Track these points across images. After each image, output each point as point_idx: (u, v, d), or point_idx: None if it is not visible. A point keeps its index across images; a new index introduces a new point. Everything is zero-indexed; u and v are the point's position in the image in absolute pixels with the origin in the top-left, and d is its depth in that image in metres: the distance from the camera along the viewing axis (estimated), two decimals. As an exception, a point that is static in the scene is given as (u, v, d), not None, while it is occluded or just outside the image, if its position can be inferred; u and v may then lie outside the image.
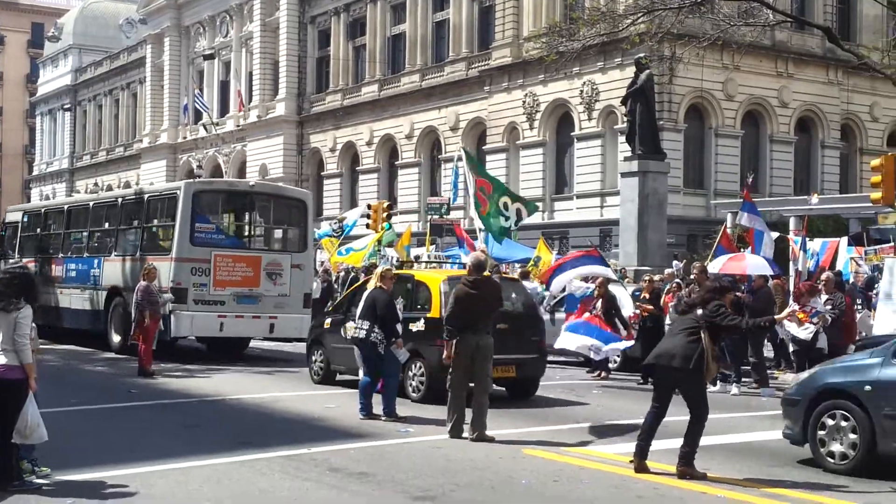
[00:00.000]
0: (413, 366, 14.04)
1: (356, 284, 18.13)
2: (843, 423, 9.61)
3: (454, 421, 11.33)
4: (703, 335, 9.33)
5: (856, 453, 9.47)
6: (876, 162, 21.29)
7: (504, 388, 14.71)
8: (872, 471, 9.47)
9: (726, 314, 9.46)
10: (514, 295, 15.10)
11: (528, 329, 14.79)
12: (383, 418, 12.50)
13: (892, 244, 22.75)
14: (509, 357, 13.81)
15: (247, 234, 21.49)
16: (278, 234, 21.53)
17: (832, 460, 9.66)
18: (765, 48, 42.49)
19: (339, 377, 16.18)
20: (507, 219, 14.65)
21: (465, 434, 11.22)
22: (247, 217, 21.55)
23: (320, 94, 61.95)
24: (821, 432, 9.77)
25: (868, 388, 9.46)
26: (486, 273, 11.89)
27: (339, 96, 60.08)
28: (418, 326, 14.12)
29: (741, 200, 39.27)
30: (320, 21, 62.09)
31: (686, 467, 9.32)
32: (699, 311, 9.54)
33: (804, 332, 14.38)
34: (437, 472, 9.53)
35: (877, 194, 20.69)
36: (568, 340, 17.68)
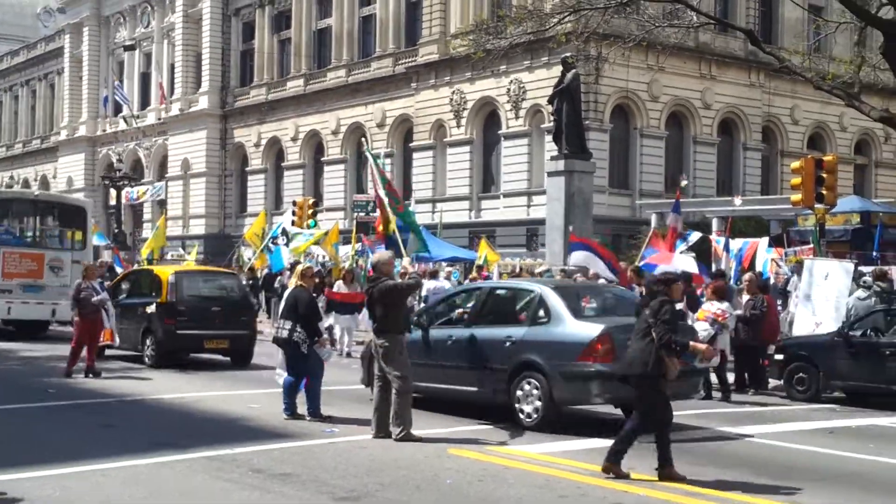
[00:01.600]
0: (147, 339, 18.70)
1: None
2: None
3: (378, 421, 11.21)
4: (654, 335, 9.14)
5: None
6: (796, 164, 21.70)
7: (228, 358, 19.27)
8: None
9: (664, 319, 9.13)
10: (230, 284, 20.70)
11: (241, 311, 19.56)
12: (308, 418, 12.33)
13: (811, 246, 23.18)
14: (224, 333, 18.85)
15: (32, 234, 25.61)
16: (60, 234, 25.51)
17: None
18: (689, 50, 43.08)
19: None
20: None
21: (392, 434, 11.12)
22: (32, 221, 25.68)
23: (244, 87, 61.25)
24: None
25: None
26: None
27: (263, 90, 59.45)
28: (151, 309, 18.78)
29: (667, 201, 39.90)
30: (244, 13, 61.37)
31: (612, 464, 9.25)
32: (646, 311, 9.36)
33: (703, 333, 14.52)
34: (362, 472, 9.41)
35: (796, 196, 21.11)
36: None
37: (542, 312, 12.47)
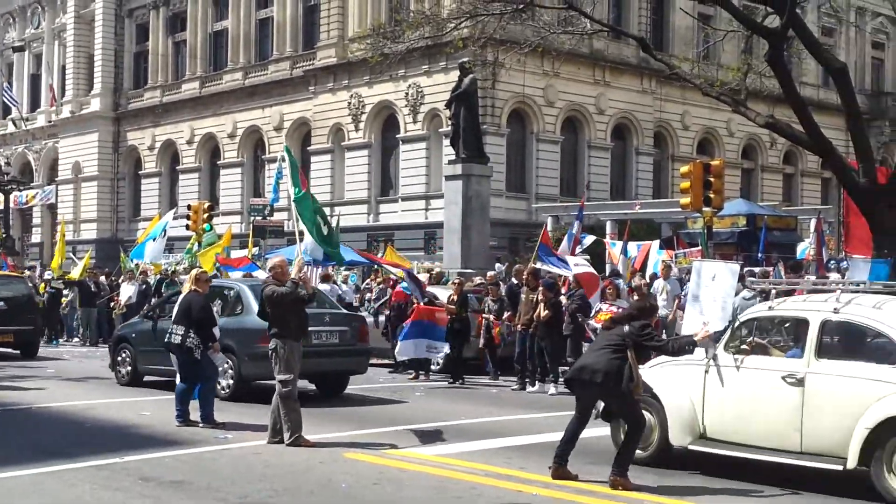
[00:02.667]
0: None
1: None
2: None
3: (274, 425, 11.12)
4: (629, 353, 9.15)
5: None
6: (685, 168, 22.24)
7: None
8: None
9: (652, 335, 9.39)
10: (17, 286, 23.11)
11: (26, 310, 22.21)
12: (201, 424, 12.17)
13: (699, 248, 23.77)
14: (9, 328, 21.39)
15: None
16: None
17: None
18: (583, 56, 43.84)
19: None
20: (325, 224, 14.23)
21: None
22: None
23: (138, 90, 60.05)
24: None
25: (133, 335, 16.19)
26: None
27: (158, 93, 58.38)
28: None
29: (563, 205, 40.45)
30: (138, 14, 60.18)
31: (618, 476, 9.09)
32: (625, 329, 9.31)
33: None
34: (256, 479, 9.33)
35: (685, 199, 21.62)
36: (407, 349, 17.92)
37: (239, 306, 14.88)
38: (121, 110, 60.65)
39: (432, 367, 18.97)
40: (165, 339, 12.64)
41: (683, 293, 20.15)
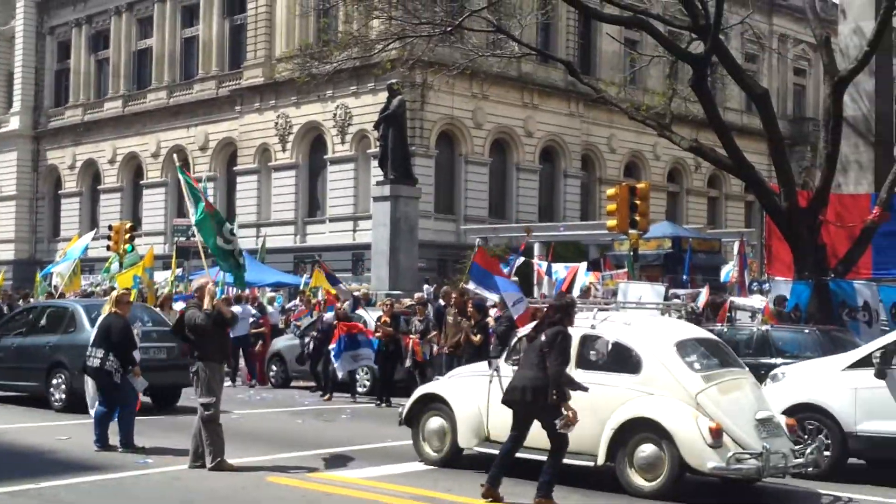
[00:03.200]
0: None
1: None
2: None
3: (195, 449, 10.85)
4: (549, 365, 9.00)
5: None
6: (611, 191, 22.45)
7: None
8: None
9: (554, 348, 9.02)
10: None
11: None
12: (120, 449, 11.84)
13: (625, 270, 23.98)
14: None
15: None
16: None
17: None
18: (511, 79, 44.17)
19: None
20: (228, 242, 13.68)
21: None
22: None
23: (59, 108, 58.97)
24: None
25: None
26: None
27: (79, 111, 57.37)
28: None
29: (491, 226, 40.48)
30: (60, 32, 59.14)
31: (543, 499, 9.00)
32: (542, 338, 9.16)
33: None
34: (176, 505, 9.07)
35: (612, 222, 21.81)
36: (344, 365, 18.00)
37: (72, 325, 16.09)
38: (41, 129, 59.45)
39: (359, 389, 18.81)
40: (84, 363, 12.29)
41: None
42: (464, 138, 44.80)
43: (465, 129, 44.57)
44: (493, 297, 18.40)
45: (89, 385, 12.50)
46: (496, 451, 9.76)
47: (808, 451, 9.86)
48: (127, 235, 29.85)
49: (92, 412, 12.37)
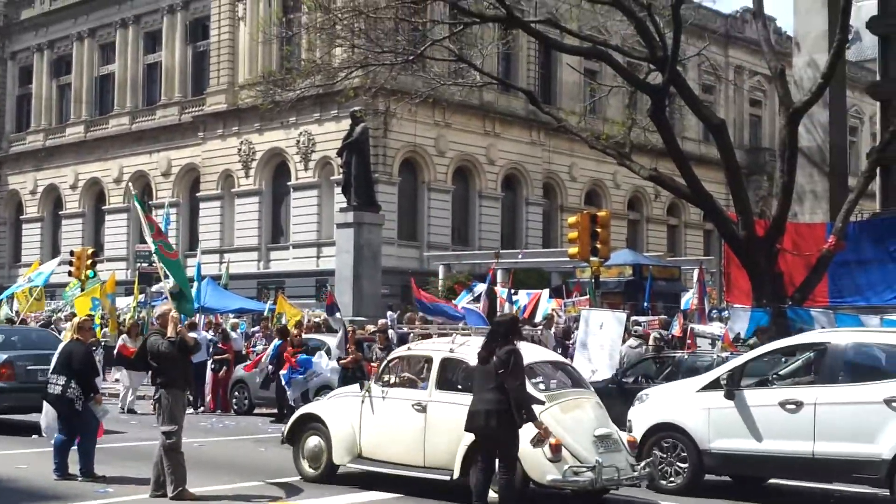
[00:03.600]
0: None
1: None
2: None
3: (156, 478, 10.82)
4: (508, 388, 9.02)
5: None
6: (573, 219, 22.68)
7: None
8: None
9: (510, 368, 9.02)
10: None
11: None
12: (80, 478, 11.74)
13: (587, 296, 24.18)
14: None
15: None
16: None
17: None
18: (473, 107, 44.51)
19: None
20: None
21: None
22: None
23: (20, 133, 58.58)
24: None
25: None
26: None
27: (41, 136, 57.02)
28: None
29: (454, 253, 40.65)
30: (21, 57, 58.84)
31: None
32: (494, 360, 9.13)
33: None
34: (138, 534, 9.05)
35: (574, 249, 22.02)
36: (296, 389, 18.35)
37: None
38: (2, 153, 59.00)
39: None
40: (45, 390, 12.22)
41: (572, 341, 20.51)
42: (426, 165, 45.01)
43: (428, 156, 44.80)
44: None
45: (47, 411, 12.40)
46: (370, 468, 10.71)
47: (642, 465, 10.66)
48: (89, 261, 29.67)
49: (45, 435, 12.27)
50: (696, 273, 26.99)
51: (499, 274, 35.49)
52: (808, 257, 18.79)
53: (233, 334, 22.94)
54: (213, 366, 21.15)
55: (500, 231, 47.72)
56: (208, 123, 48.09)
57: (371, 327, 22.52)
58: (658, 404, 12.02)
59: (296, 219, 45.06)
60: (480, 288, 26.22)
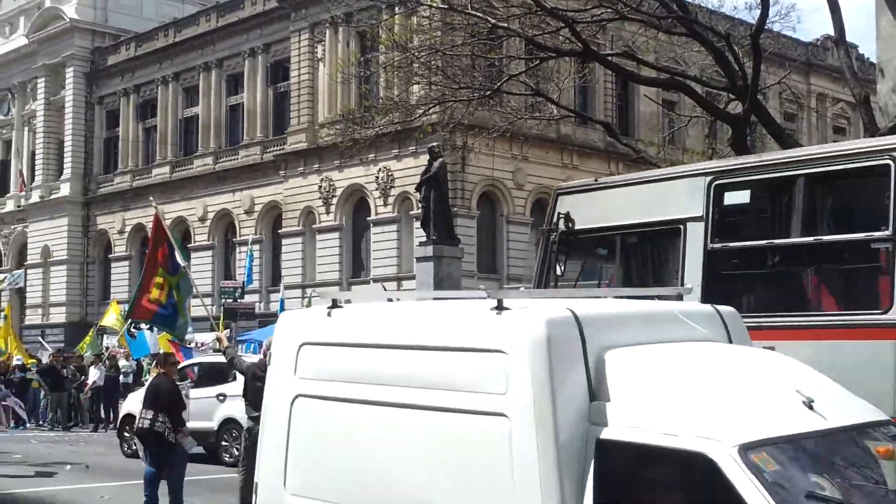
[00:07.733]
0: None
1: None
2: None
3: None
4: None
5: None
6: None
7: None
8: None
9: None
10: None
11: None
12: (170, 510, 12.00)
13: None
14: None
15: None
16: None
17: None
18: (551, 140, 44.45)
19: None
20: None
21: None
22: None
23: (108, 174, 60.23)
24: None
25: None
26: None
27: (128, 177, 58.55)
28: None
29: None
30: (108, 101, 60.62)
31: None
32: None
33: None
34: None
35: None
36: None
37: None
38: (90, 195, 60.67)
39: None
40: (136, 425, 12.51)
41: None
42: (505, 199, 45.11)
43: (507, 189, 44.90)
44: None
45: (139, 445, 12.70)
46: None
47: None
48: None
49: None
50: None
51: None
52: None
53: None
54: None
55: (580, 263, 47.41)
56: (289, 162, 48.90)
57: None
58: None
59: (376, 253, 45.46)
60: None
